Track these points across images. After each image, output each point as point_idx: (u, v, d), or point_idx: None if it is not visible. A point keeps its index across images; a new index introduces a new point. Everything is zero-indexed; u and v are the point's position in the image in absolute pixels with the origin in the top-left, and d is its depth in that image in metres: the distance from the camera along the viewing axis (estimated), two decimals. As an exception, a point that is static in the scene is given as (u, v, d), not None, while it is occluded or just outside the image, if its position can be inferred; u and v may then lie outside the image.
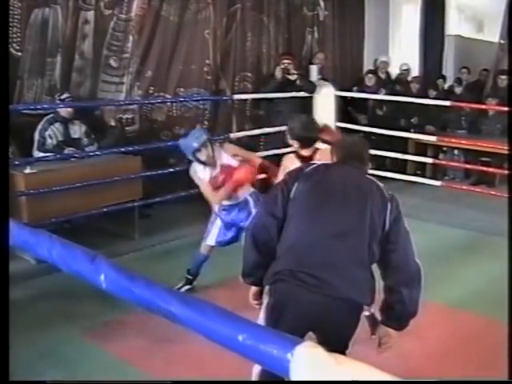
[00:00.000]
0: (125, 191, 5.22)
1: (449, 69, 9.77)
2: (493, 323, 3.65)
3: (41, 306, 3.97)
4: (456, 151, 7.83)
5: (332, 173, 2.42)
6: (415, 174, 7.21)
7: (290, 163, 3.34)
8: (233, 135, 6.37)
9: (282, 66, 6.65)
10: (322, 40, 8.01)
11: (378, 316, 2.45)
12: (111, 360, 3.32)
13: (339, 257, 2.19)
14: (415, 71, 9.17)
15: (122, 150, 5.34)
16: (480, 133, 7.58)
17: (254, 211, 3.75)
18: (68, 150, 5.16)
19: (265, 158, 4.73)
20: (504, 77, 7.86)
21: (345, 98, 7.49)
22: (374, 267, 2.34)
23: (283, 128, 5.81)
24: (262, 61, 7.23)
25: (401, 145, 7.48)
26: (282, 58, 6.80)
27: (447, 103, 6.64)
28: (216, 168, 3.94)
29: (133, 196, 5.29)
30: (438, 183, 6.62)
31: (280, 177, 2.69)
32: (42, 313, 3.88)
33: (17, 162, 4.65)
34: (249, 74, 7.08)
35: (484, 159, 7.22)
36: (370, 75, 7.78)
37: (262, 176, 4.08)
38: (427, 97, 7.57)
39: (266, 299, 2.29)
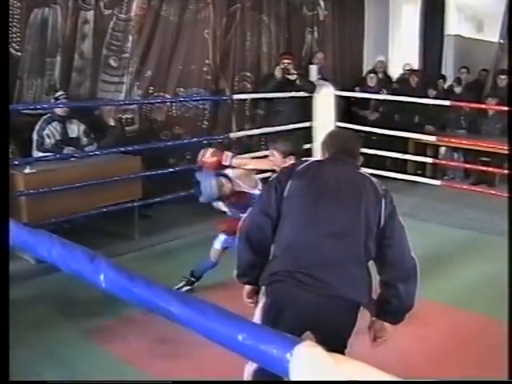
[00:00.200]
0: (124, 191, 5.22)
1: (448, 68, 9.77)
2: (493, 323, 3.65)
3: (40, 306, 3.97)
4: (456, 154, 7.83)
5: (325, 170, 2.39)
6: (415, 174, 7.21)
7: None
8: (232, 135, 6.37)
9: (282, 66, 6.64)
10: (321, 40, 8.01)
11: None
12: (111, 360, 3.32)
13: (336, 256, 2.18)
14: (415, 70, 9.16)
15: (122, 149, 5.33)
16: (480, 132, 7.58)
17: None
18: (67, 150, 5.17)
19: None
20: (504, 76, 7.86)
21: (347, 98, 7.50)
22: (371, 263, 2.34)
23: (283, 128, 5.81)
24: (261, 61, 7.22)
25: (401, 144, 7.49)
26: (282, 58, 6.79)
27: (447, 103, 6.64)
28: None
29: (132, 196, 5.29)
30: (437, 183, 6.62)
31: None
32: (42, 313, 3.88)
33: (16, 162, 4.64)
34: (248, 74, 7.08)
35: (484, 159, 7.22)
36: (371, 75, 7.76)
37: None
38: (427, 96, 7.57)
39: (262, 299, 2.28)
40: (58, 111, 5.17)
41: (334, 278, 2.15)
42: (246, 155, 5.33)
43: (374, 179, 2.41)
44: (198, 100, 6.60)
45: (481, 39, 10.10)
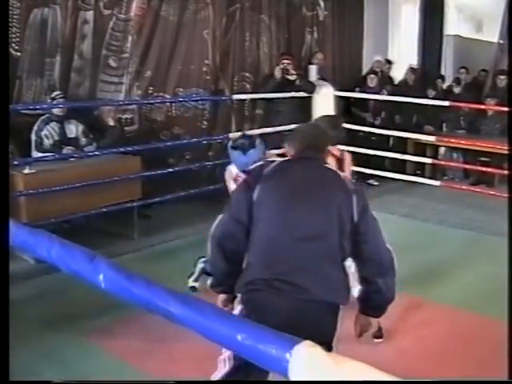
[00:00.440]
0: (124, 191, 5.22)
1: (448, 69, 9.77)
2: (492, 323, 3.65)
3: (40, 306, 3.97)
4: (455, 154, 7.83)
5: (293, 171, 2.33)
6: (414, 174, 7.21)
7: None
8: (232, 135, 6.37)
9: (282, 66, 6.64)
10: (321, 40, 8.01)
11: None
12: (111, 360, 3.32)
13: (310, 260, 2.15)
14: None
15: (122, 149, 5.33)
16: (479, 133, 7.59)
17: None
18: (67, 150, 5.17)
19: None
20: (503, 77, 7.86)
21: (347, 98, 7.50)
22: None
23: (282, 128, 5.82)
24: (261, 61, 7.22)
25: (400, 145, 7.50)
26: (282, 58, 6.80)
27: (446, 103, 6.65)
28: None
29: (132, 196, 5.29)
30: (437, 183, 6.62)
31: None
32: (41, 313, 3.87)
33: (16, 162, 4.64)
34: (248, 74, 7.08)
35: (483, 159, 7.22)
36: (371, 76, 7.74)
37: None
38: (426, 97, 7.57)
39: (238, 307, 2.20)
40: (56, 111, 5.17)
41: (310, 283, 2.13)
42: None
43: (342, 175, 2.38)
44: (197, 100, 6.60)
45: (480, 39, 10.10)
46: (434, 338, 3.56)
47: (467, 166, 7.33)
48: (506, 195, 5.49)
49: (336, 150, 3.39)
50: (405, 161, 7.36)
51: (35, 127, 5.09)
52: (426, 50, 9.68)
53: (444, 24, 9.89)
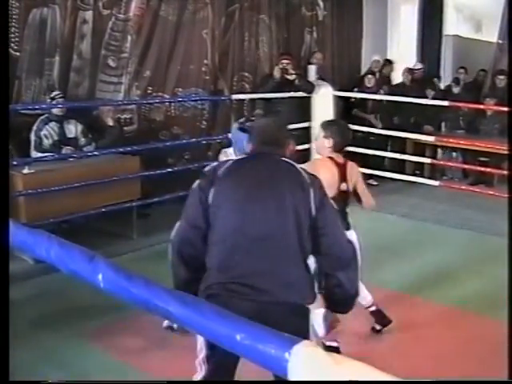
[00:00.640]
0: (123, 191, 5.22)
1: (447, 69, 9.76)
2: (492, 323, 3.65)
3: (39, 306, 3.97)
4: (454, 154, 7.83)
5: (246, 170, 2.28)
6: (414, 174, 7.21)
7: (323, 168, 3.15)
8: (231, 135, 6.36)
9: (281, 66, 6.64)
10: (320, 40, 8.01)
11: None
12: (111, 360, 3.32)
13: (269, 261, 2.11)
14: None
15: (121, 149, 5.33)
16: (478, 133, 7.58)
17: None
18: (66, 150, 5.17)
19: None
20: (502, 77, 7.86)
21: (346, 98, 7.49)
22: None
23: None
24: (260, 61, 7.22)
25: (399, 145, 7.49)
26: (281, 58, 6.80)
27: (445, 103, 6.64)
28: None
29: (131, 196, 5.28)
30: (436, 183, 6.62)
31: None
32: (41, 313, 3.87)
33: (15, 162, 4.64)
34: (247, 74, 7.08)
35: (482, 159, 7.22)
36: (369, 76, 7.74)
37: None
38: (425, 97, 7.57)
39: None
40: (55, 111, 5.17)
41: (270, 284, 2.08)
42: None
43: (299, 167, 2.28)
44: (196, 100, 6.60)
45: (479, 39, 10.09)
46: (434, 338, 3.56)
47: (466, 166, 7.33)
48: (505, 195, 5.48)
49: (340, 157, 3.35)
50: (404, 161, 7.36)
51: (34, 127, 5.09)
52: (425, 50, 9.67)
53: (443, 24, 9.88)
